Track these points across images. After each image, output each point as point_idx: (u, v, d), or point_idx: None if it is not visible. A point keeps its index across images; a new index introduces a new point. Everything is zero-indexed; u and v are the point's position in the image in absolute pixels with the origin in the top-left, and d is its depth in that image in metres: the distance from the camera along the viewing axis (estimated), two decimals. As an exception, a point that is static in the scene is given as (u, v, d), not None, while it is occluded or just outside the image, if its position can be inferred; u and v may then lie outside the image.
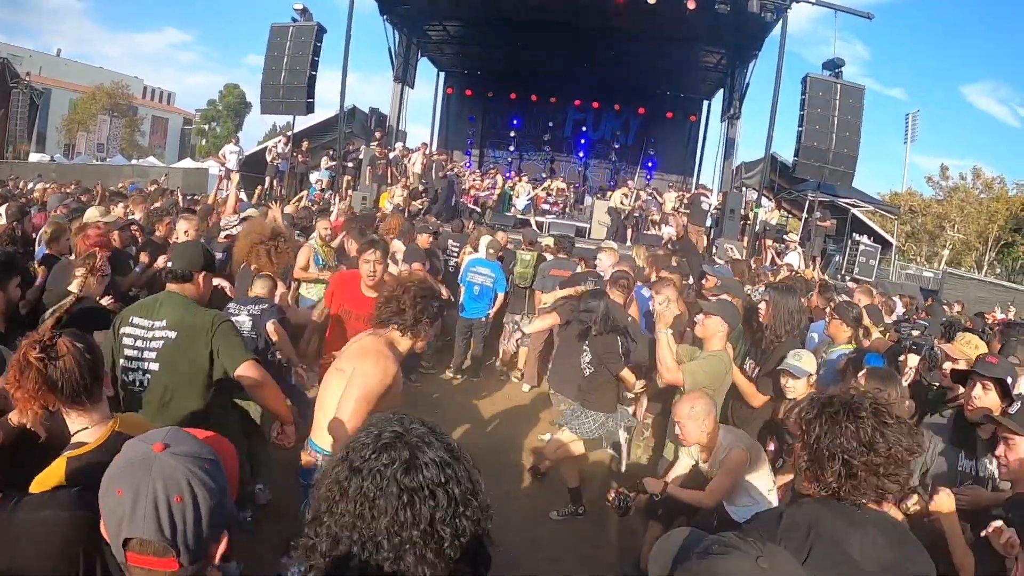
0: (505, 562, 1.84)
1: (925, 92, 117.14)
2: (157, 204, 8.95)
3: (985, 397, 3.28)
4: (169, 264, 3.40)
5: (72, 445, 2.04)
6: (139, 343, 3.16)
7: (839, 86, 15.41)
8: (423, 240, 8.50)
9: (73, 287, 4.06)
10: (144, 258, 6.11)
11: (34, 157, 26.25)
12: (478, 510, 1.29)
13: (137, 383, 3.15)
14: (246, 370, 3.17)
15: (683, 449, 4.14)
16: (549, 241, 9.67)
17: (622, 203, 17.43)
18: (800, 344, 4.85)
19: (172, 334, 3.17)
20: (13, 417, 2.19)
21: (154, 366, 3.13)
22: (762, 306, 5.02)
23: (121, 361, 3.16)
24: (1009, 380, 3.26)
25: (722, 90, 21.86)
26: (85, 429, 2.09)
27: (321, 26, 17.61)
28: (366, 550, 1.24)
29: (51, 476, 1.88)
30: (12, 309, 3.41)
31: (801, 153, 15.24)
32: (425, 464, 1.26)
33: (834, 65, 15.80)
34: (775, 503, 3.53)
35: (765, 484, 3.71)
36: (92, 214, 6.71)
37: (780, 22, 15.53)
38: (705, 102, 24.42)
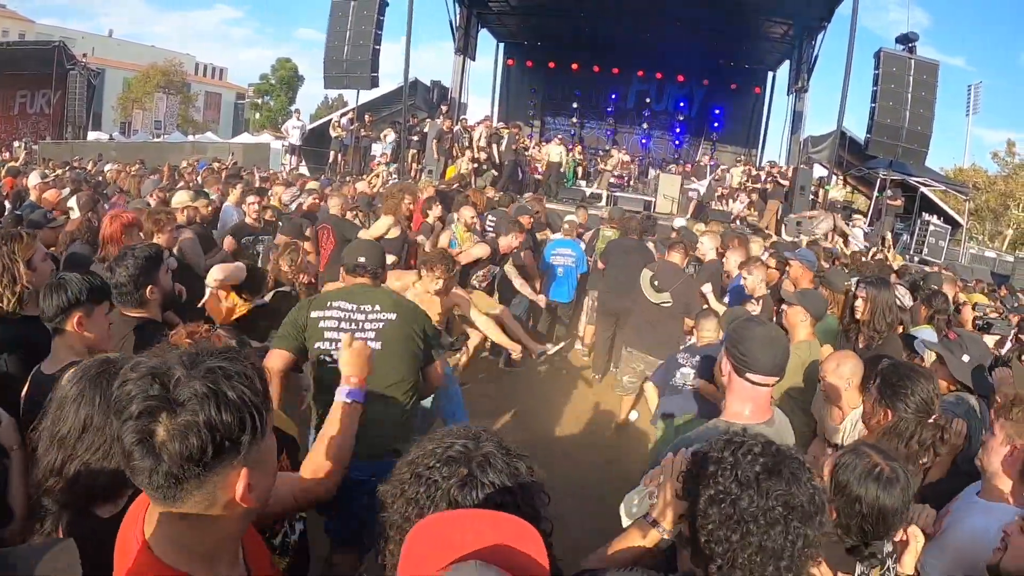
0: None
1: (987, 62, 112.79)
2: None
3: None
4: (362, 260, 3.44)
5: None
6: (347, 325, 3.19)
7: (913, 62, 14.97)
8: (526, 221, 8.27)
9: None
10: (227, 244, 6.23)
11: (92, 136, 26.70)
12: None
13: None
14: (437, 370, 3.37)
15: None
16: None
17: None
18: (900, 342, 4.58)
19: (392, 315, 3.23)
20: None
21: (375, 344, 3.09)
22: (858, 303, 4.74)
23: (320, 344, 3.17)
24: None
25: (788, 61, 21.26)
26: None
27: (383, -1, 17.57)
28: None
29: None
30: (169, 297, 3.45)
31: (874, 130, 14.87)
32: (482, 484, 1.27)
33: (907, 40, 15.30)
34: None
35: None
36: (183, 198, 6.65)
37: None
38: (770, 73, 23.79)
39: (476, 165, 15.96)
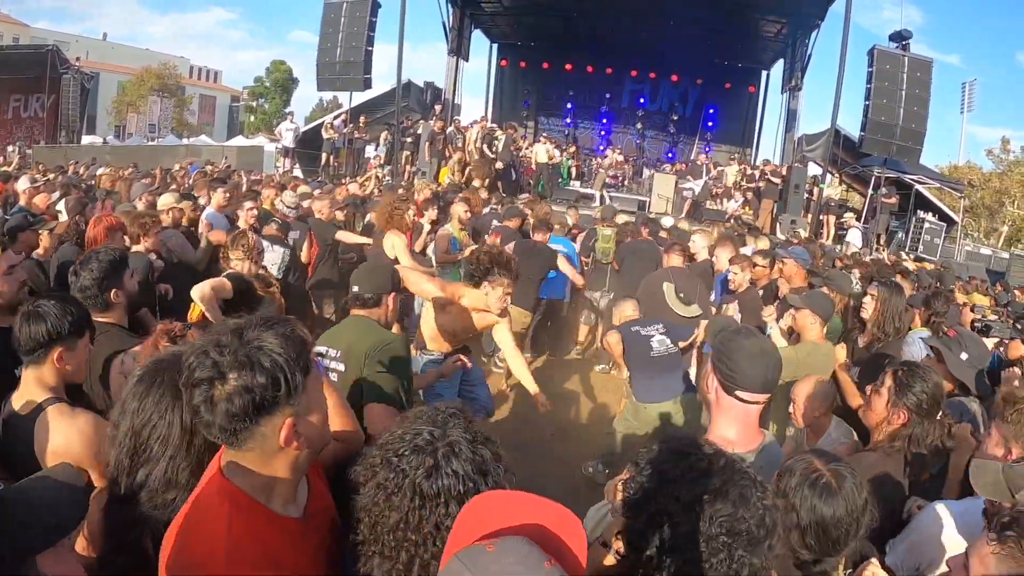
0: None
1: (981, 59, 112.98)
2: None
3: None
4: (355, 289, 3.20)
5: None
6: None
7: (907, 59, 14.97)
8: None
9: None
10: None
11: (86, 140, 26.64)
12: None
13: None
14: (374, 412, 2.73)
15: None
16: (627, 218, 9.40)
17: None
18: (899, 344, 4.54)
19: (342, 367, 2.95)
20: None
21: None
22: (867, 300, 4.72)
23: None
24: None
25: (782, 60, 21.33)
26: None
27: (375, 1, 17.53)
28: (373, 534, 1.37)
29: None
30: (134, 301, 3.37)
31: (868, 128, 14.88)
32: (446, 474, 1.33)
33: (901, 37, 15.32)
34: None
35: None
36: (167, 200, 6.57)
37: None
38: (764, 72, 23.84)
39: (463, 167, 15.93)
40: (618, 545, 1.47)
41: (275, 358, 1.36)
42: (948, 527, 2.21)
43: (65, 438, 2.16)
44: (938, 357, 3.62)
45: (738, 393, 2.12)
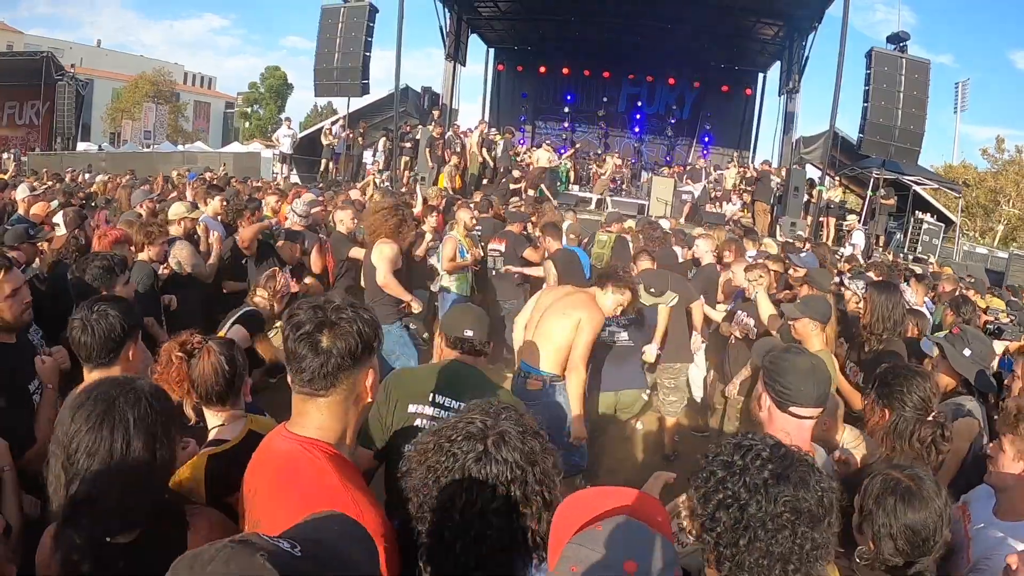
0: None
1: (974, 59, 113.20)
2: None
3: None
4: (468, 334, 2.95)
5: (211, 442, 2.24)
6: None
7: (904, 60, 14.98)
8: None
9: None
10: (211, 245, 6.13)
11: (81, 147, 26.56)
12: (540, 510, 1.43)
13: None
14: None
15: None
16: (631, 224, 9.37)
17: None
18: (904, 345, 4.52)
19: None
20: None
21: None
22: (859, 303, 4.69)
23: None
24: None
25: (779, 62, 21.33)
26: (221, 425, 2.32)
27: (373, 6, 17.55)
28: (420, 513, 1.45)
29: (193, 470, 2.09)
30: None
31: (866, 129, 14.87)
32: (496, 460, 1.42)
33: (898, 39, 15.33)
34: None
35: None
36: (179, 210, 6.40)
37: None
38: (761, 75, 23.88)
39: (460, 172, 15.92)
40: (691, 526, 1.59)
41: (371, 318, 1.67)
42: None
43: None
44: (941, 353, 3.64)
45: (792, 409, 2.21)
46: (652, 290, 5.82)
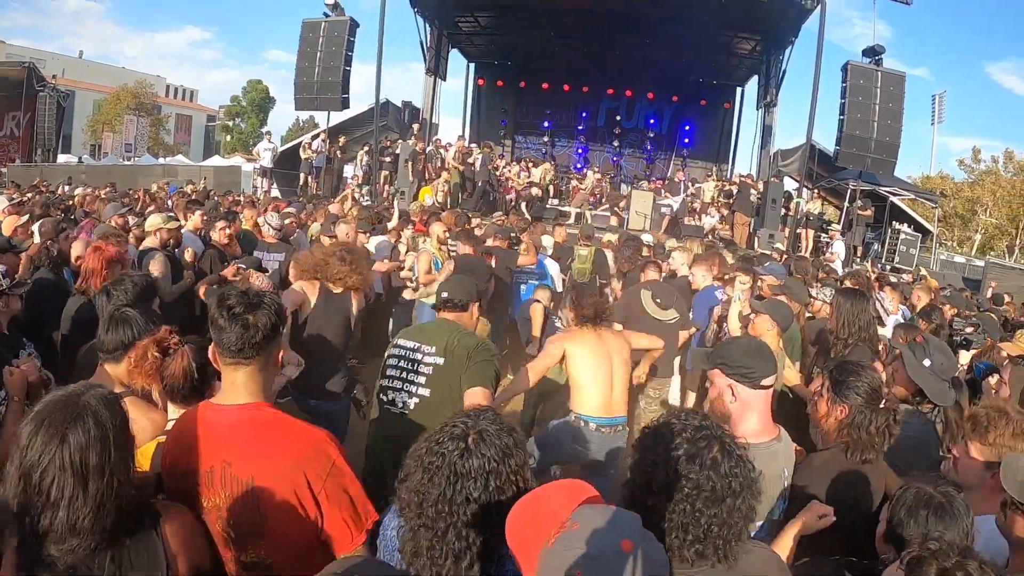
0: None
1: (950, 71, 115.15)
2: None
3: None
4: (445, 295, 3.61)
5: (165, 432, 2.36)
6: (405, 364, 3.41)
7: (880, 74, 15.19)
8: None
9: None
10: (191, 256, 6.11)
11: (62, 159, 26.32)
12: (515, 496, 1.58)
13: (400, 403, 3.39)
14: (480, 394, 3.26)
15: None
16: (612, 237, 9.42)
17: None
18: (872, 353, 4.54)
19: (440, 360, 3.37)
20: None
21: (424, 391, 3.34)
22: (825, 309, 4.74)
23: (382, 381, 3.45)
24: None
25: (756, 76, 21.55)
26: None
27: (354, 20, 17.58)
28: (420, 510, 1.64)
29: (144, 459, 2.24)
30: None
31: (843, 142, 15.05)
32: (477, 455, 1.64)
33: (874, 52, 15.54)
34: None
35: None
36: (155, 221, 6.32)
37: (819, 6, 15.16)
38: (739, 89, 24.10)
39: (447, 188, 15.95)
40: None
41: (280, 305, 2.13)
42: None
43: (141, 428, 2.29)
44: (901, 360, 3.56)
45: (764, 382, 2.45)
46: (658, 301, 5.90)
